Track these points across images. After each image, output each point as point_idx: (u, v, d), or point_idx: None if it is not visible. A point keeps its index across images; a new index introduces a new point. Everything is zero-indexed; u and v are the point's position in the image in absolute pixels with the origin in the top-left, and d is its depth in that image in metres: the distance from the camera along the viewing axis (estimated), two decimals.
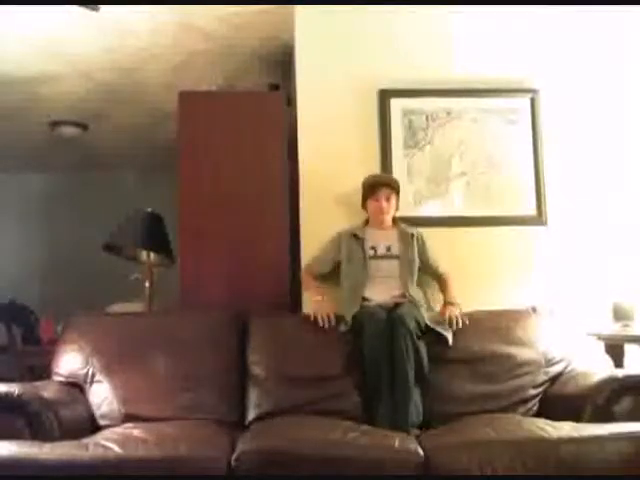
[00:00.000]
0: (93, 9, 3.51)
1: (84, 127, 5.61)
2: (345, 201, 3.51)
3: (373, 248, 3.19)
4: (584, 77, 3.66)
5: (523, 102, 3.62)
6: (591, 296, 3.41)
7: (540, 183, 3.57)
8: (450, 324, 3.00)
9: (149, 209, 4.13)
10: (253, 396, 2.87)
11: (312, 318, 3.03)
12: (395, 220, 3.32)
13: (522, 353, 2.96)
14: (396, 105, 3.59)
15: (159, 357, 2.89)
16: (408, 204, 3.51)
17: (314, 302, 3.15)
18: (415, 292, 3.13)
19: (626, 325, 3.27)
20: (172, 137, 3.72)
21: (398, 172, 3.53)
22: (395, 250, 3.21)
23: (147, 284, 4.11)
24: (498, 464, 2.21)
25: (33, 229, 6.83)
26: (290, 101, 3.75)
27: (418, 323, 2.89)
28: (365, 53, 3.63)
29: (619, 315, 3.31)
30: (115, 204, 5.60)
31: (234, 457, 2.23)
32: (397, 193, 3.28)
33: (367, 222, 3.33)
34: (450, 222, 3.53)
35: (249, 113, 3.60)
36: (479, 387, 2.89)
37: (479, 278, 3.46)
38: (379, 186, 3.25)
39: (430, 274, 3.33)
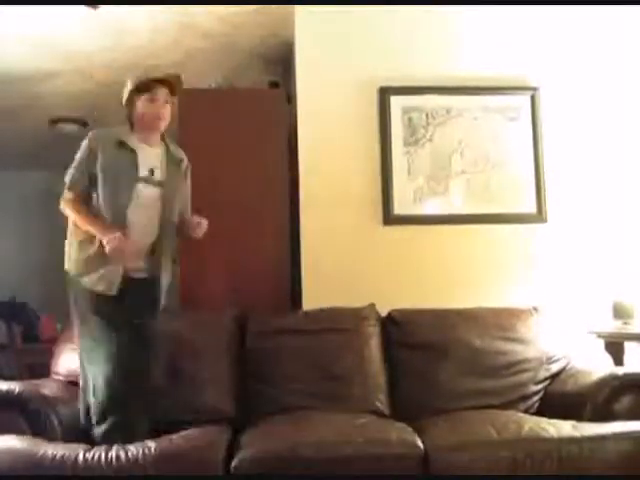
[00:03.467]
0: (93, 8, 3.50)
1: (84, 124, 5.61)
2: (345, 199, 3.51)
3: (136, 165, 2.52)
4: (584, 75, 3.65)
5: (523, 100, 3.62)
6: (591, 294, 3.41)
7: (540, 181, 3.57)
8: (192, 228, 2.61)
9: None
10: (253, 395, 2.88)
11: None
12: (163, 136, 2.66)
13: (523, 350, 2.96)
14: (396, 103, 3.58)
15: (158, 356, 2.88)
16: (408, 202, 3.51)
17: (116, 239, 2.39)
18: (170, 246, 2.67)
19: (626, 323, 3.27)
20: (172, 135, 3.71)
21: (398, 170, 3.53)
22: (159, 175, 2.56)
23: None
24: (499, 464, 2.22)
25: (33, 227, 6.83)
26: (290, 99, 3.75)
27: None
28: (365, 51, 3.62)
29: (619, 313, 3.31)
30: None
31: (233, 465, 2.23)
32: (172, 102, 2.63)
33: (130, 128, 2.62)
34: (450, 220, 3.53)
35: (249, 111, 3.59)
36: (480, 383, 2.90)
37: (479, 276, 3.47)
38: (159, 84, 2.54)
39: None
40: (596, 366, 2.86)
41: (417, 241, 3.51)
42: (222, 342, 2.98)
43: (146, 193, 2.53)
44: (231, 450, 2.33)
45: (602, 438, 2.27)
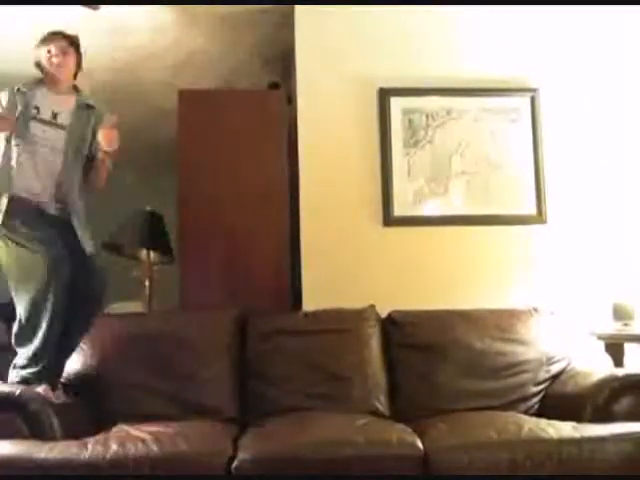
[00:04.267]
0: (93, 8, 3.50)
1: None
2: (345, 200, 3.51)
3: (36, 108, 2.73)
4: (584, 76, 3.66)
5: (523, 101, 3.62)
6: (591, 295, 3.40)
7: (540, 182, 3.57)
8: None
9: (149, 208, 4.13)
10: (253, 395, 2.87)
11: None
12: (77, 88, 2.92)
13: (523, 351, 2.96)
14: (396, 104, 3.58)
15: (159, 356, 2.89)
16: (408, 203, 3.51)
17: None
18: (76, 185, 2.83)
19: (626, 324, 3.27)
20: (172, 136, 3.72)
21: (398, 171, 3.53)
22: (63, 119, 2.77)
23: (147, 283, 4.11)
24: (499, 465, 2.21)
25: None
26: (290, 100, 3.75)
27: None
28: (365, 52, 3.62)
29: (619, 314, 3.31)
30: (115, 203, 5.60)
31: (234, 466, 2.22)
32: (77, 50, 2.88)
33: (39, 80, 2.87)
34: (450, 221, 3.53)
35: (249, 112, 3.59)
36: (480, 384, 2.89)
37: (479, 277, 3.47)
38: (53, 36, 2.81)
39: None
40: (596, 367, 2.86)
41: (417, 242, 3.51)
42: (222, 342, 2.97)
43: (48, 135, 2.72)
44: (232, 450, 2.32)
45: (602, 439, 2.27)
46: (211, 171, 3.51)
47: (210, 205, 3.49)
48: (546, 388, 2.91)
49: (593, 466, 2.22)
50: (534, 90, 3.62)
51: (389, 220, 3.51)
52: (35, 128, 2.72)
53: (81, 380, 2.86)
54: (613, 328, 3.29)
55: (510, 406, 2.84)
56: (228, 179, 3.51)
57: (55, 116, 2.75)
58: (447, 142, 3.59)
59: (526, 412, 2.82)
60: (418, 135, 3.59)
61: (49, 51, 2.80)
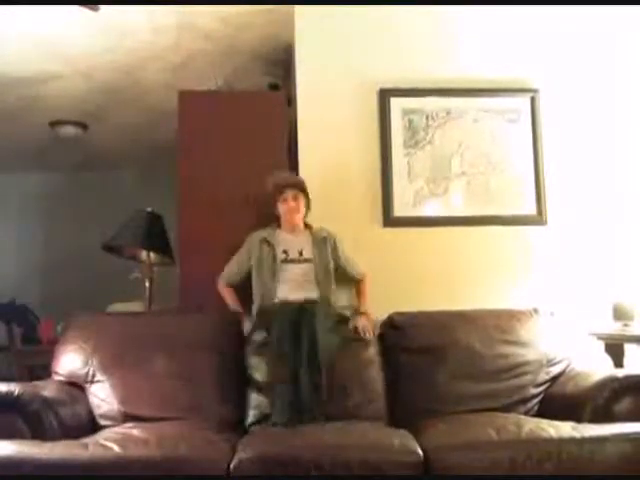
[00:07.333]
0: (93, 9, 3.50)
1: (84, 127, 5.61)
2: (345, 201, 3.51)
3: (285, 252, 3.17)
4: (584, 76, 3.66)
5: (523, 102, 3.62)
6: (591, 296, 3.41)
7: (540, 183, 3.57)
8: (357, 333, 3.01)
9: (149, 209, 4.14)
10: (253, 398, 2.86)
11: None
12: (307, 224, 3.31)
13: (523, 353, 2.96)
14: (396, 105, 3.59)
15: (159, 357, 2.88)
16: (408, 204, 3.52)
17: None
18: (332, 293, 3.15)
19: (626, 325, 3.27)
20: (172, 137, 3.72)
21: (398, 172, 3.53)
22: (308, 254, 3.19)
23: (147, 284, 4.11)
24: (499, 465, 2.21)
25: (33, 229, 6.84)
26: (290, 101, 3.75)
27: (330, 317, 2.95)
28: (365, 53, 3.63)
29: (619, 315, 3.31)
30: (115, 204, 5.61)
31: (233, 465, 2.22)
32: (304, 193, 3.26)
33: (279, 226, 3.30)
34: (450, 222, 3.53)
35: (249, 113, 3.59)
36: (480, 386, 2.89)
37: (479, 278, 3.46)
38: (285, 187, 3.22)
39: (348, 276, 3.32)
40: (596, 368, 2.85)
41: (417, 243, 3.51)
42: (221, 343, 2.97)
43: (296, 270, 3.14)
44: (231, 452, 2.32)
45: (602, 439, 2.26)
46: (211, 172, 3.51)
47: (210, 206, 3.48)
48: (546, 389, 2.90)
49: (593, 466, 2.22)
50: (534, 90, 3.62)
51: (389, 221, 3.51)
52: (289, 270, 3.13)
53: (81, 380, 2.86)
54: (613, 328, 3.30)
55: (510, 408, 2.84)
56: (228, 180, 3.51)
57: (301, 253, 3.17)
58: (447, 143, 3.59)
59: (526, 413, 2.82)
60: (418, 135, 3.59)
61: (284, 200, 3.21)
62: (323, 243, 3.22)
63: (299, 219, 3.26)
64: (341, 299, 3.26)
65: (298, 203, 3.22)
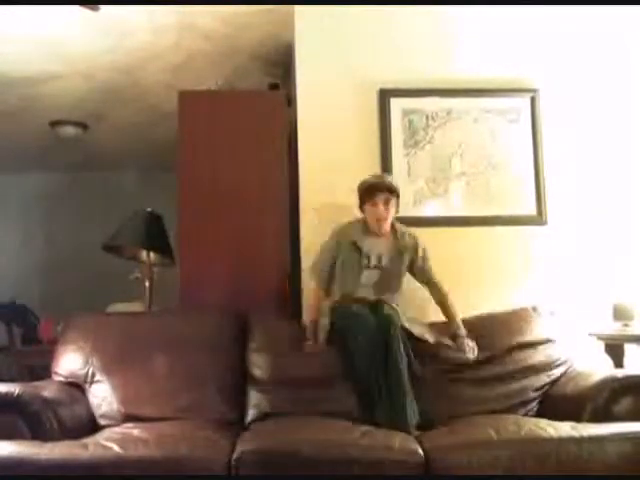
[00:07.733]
0: (93, 9, 3.50)
1: (84, 127, 5.61)
2: (345, 201, 3.50)
3: (368, 257, 3.08)
4: (584, 76, 3.66)
5: (523, 102, 3.62)
6: (591, 296, 3.40)
7: (540, 183, 3.57)
8: (466, 352, 2.94)
9: (149, 209, 4.14)
10: (253, 397, 2.87)
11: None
12: (393, 226, 3.15)
13: (525, 356, 2.95)
14: (396, 105, 3.59)
15: (159, 357, 2.89)
16: (408, 204, 3.51)
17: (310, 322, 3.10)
18: (396, 300, 3.09)
19: (626, 325, 3.27)
20: (172, 137, 3.72)
21: (398, 172, 3.53)
22: (384, 261, 3.09)
23: (147, 284, 4.11)
24: (498, 464, 2.21)
25: (33, 229, 6.84)
26: (290, 101, 3.75)
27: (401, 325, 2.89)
28: (365, 53, 3.63)
29: (619, 315, 3.31)
30: (115, 204, 5.61)
31: (234, 457, 2.23)
32: (397, 197, 3.11)
33: (364, 223, 3.17)
34: (450, 222, 3.53)
35: (249, 113, 3.59)
36: (480, 389, 2.89)
37: (479, 278, 3.46)
38: (376, 191, 3.06)
39: (427, 287, 3.21)
40: (596, 368, 2.86)
41: None
42: (221, 342, 2.98)
43: (370, 276, 3.07)
44: (231, 450, 2.31)
45: (602, 439, 2.27)
46: (211, 171, 3.51)
47: (210, 206, 3.49)
48: (546, 390, 2.90)
49: (593, 466, 2.22)
50: (534, 90, 3.62)
51: None
52: (366, 276, 3.07)
53: (81, 380, 2.86)
54: (613, 328, 3.29)
55: (510, 410, 2.83)
56: (228, 180, 3.51)
57: (380, 259, 3.09)
58: (447, 143, 3.59)
59: (526, 414, 2.81)
60: (418, 136, 3.59)
61: (374, 204, 3.05)
62: (402, 253, 3.11)
63: (387, 225, 3.09)
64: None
65: (388, 209, 3.05)
